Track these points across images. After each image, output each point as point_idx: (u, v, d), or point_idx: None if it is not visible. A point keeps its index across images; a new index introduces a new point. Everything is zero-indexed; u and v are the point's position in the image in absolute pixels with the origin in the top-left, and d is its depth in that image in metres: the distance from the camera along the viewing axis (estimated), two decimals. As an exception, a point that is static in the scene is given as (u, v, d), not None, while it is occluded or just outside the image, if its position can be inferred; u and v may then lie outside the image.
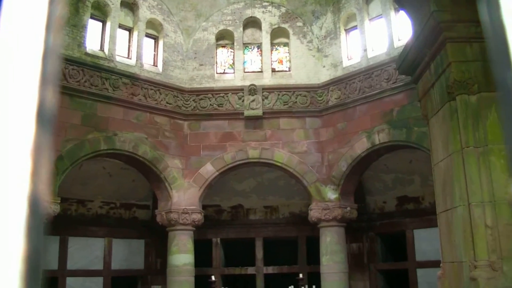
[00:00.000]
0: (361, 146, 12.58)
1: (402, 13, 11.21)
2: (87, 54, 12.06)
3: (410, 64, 8.50)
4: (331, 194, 13.08)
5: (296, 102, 13.69)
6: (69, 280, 13.31)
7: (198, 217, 13.23)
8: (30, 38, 0.30)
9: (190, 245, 13.21)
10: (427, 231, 12.54)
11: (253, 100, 13.59)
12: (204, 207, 13.70)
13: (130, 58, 13.18)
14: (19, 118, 0.30)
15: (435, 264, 9.11)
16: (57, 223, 11.71)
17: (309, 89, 13.76)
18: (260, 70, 14.39)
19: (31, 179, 0.29)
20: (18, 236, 0.29)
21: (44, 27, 0.31)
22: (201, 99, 13.77)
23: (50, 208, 10.74)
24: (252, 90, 13.62)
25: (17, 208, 0.28)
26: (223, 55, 14.67)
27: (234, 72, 14.31)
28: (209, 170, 13.38)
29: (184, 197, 13.20)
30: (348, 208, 13.13)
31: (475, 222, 6.48)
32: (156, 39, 13.97)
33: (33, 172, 0.29)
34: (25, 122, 0.30)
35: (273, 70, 14.33)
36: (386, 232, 14.37)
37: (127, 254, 14.56)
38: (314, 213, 13.11)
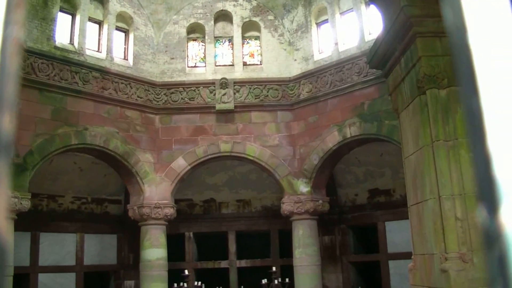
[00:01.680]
0: (332, 139, 12.66)
1: (372, 7, 11.30)
2: (56, 47, 11.85)
3: (380, 58, 8.59)
4: (303, 188, 13.16)
5: (267, 95, 13.70)
6: (41, 277, 13.12)
7: (170, 211, 13.17)
8: None
9: (162, 239, 13.15)
10: (399, 223, 12.72)
11: (224, 94, 13.56)
12: (176, 201, 13.65)
13: (100, 52, 12.99)
14: None
15: (407, 256, 9.26)
16: (28, 219, 11.54)
17: (281, 83, 13.78)
18: (231, 63, 14.35)
19: None
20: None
21: (0, 51, 0.29)
22: (172, 93, 13.68)
23: (21, 204, 10.57)
24: (224, 83, 13.58)
25: None
26: (194, 48, 14.58)
27: (205, 66, 14.24)
28: (181, 164, 13.31)
29: (156, 191, 13.12)
30: (320, 201, 13.23)
31: (446, 214, 6.60)
32: (126, 32, 13.80)
33: None
34: None
35: (245, 64, 14.31)
36: (357, 224, 14.54)
37: (100, 249, 14.43)
38: (287, 206, 13.17)
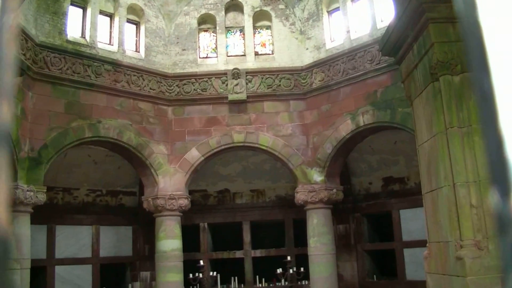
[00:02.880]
0: (345, 128, 12.61)
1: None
2: (68, 41, 11.90)
3: (393, 45, 8.51)
4: (317, 177, 13.13)
5: (280, 85, 13.66)
6: (58, 269, 13.28)
7: (184, 202, 13.23)
8: None
9: (177, 230, 13.22)
10: (413, 211, 12.66)
11: (236, 84, 13.54)
12: (190, 192, 13.70)
13: (112, 45, 13.03)
14: None
15: (422, 244, 9.21)
16: (44, 212, 11.67)
17: (293, 72, 13.73)
18: (243, 53, 14.32)
19: None
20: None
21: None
22: (185, 84, 13.69)
23: (36, 197, 10.68)
24: (236, 74, 13.56)
25: None
26: (205, 39, 14.56)
27: (217, 57, 14.22)
28: (194, 155, 13.35)
29: (170, 182, 13.17)
30: (334, 190, 13.20)
31: (460, 202, 6.55)
32: (137, 24, 13.81)
33: None
34: None
35: (256, 54, 14.27)
36: (372, 212, 14.50)
37: (115, 241, 14.54)
38: (301, 195, 13.16)
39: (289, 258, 13.82)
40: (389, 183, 14.10)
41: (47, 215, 12.50)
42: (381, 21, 12.29)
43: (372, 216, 14.67)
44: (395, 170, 13.84)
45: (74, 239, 13.74)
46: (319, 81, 13.33)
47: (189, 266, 13.55)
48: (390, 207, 13.83)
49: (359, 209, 14.52)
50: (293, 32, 14.09)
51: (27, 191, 10.44)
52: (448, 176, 6.76)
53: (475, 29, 0.36)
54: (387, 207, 13.91)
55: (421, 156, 7.95)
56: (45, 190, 11.01)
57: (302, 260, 13.72)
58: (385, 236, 14.41)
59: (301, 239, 14.09)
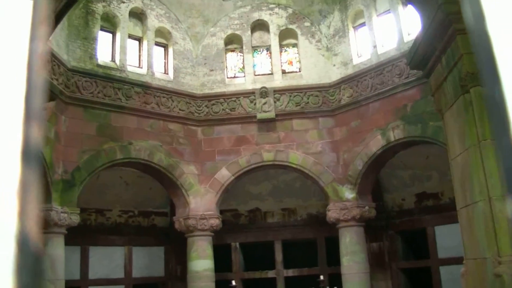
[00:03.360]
0: (376, 143, 12.49)
1: (410, 7, 11.13)
2: (98, 65, 12.17)
3: (420, 58, 8.44)
4: (348, 194, 13.01)
5: (308, 102, 13.65)
6: (92, 290, 13.42)
7: (216, 222, 13.24)
8: (13, 76, 0.30)
9: (209, 250, 13.22)
10: (449, 228, 12.38)
11: (265, 103, 13.59)
12: (221, 212, 13.71)
13: (141, 67, 13.26)
14: (4, 157, 0.30)
15: (458, 261, 9.00)
16: (77, 233, 11.83)
17: (321, 89, 13.71)
18: (270, 72, 14.39)
19: (19, 218, 0.29)
20: (6, 277, 0.28)
21: (26, 65, 0.30)
22: (213, 104, 13.80)
23: (70, 219, 10.86)
24: (264, 92, 13.62)
25: (4, 248, 0.28)
26: (232, 59, 14.69)
27: (244, 76, 14.32)
28: (224, 174, 13.39)
29: (201, 202, 13.22)
30: (366, 207, 13.04)
31: (497, 216, 6.39)
32: (165, 47, 14.04)
33: (20, 211, 0.29)
34: (10, 161, 0.30)
35: (284, 72, 14.32)
36: (406, 230, 14.22)
37: (147, 261, 14.63)
38: (332, 213, 13.04)
39: (322, 277, 13.65)
40: (422, 199, 13.86)
41: (80, 236, 12.66)
42: (408, 34, 12.22)
43: (406, 233, 14.40)
44: (429, 186, 13.61)
45: (107, 260, 13.87)
46: (348, 97, 13.28)
47: (221, 286, 13.51)
48: (425, 223, 13.57)
49: (393, 226, 14.28)
50: (320, 49, 14.11)
51: (61, 212, 10.63)
52: (483, 190, 6.61)
53: (485, 41, 0.36)
54: (422, 224, 13.65)
55: (454, 170, 7.81)
56: (79, 212, 11.19)
57: (336, 279, 13.53)
58: (420, 253, 14.12)
59: (333, 257, 13.92)
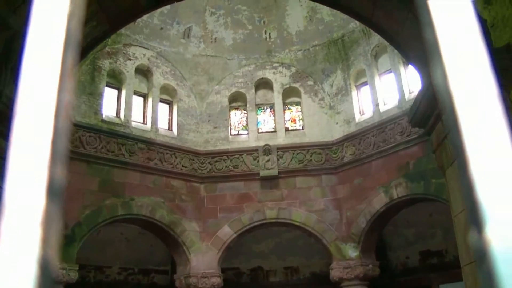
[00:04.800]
0: (379, 201, 12.47)
1: (411, 67, 11.37)
2: (103, 121, 12.33)
3: (421, 116, 8.55)
4: (352, 252, 12.87)
5: (311, 160, 13.72)
6: None
7: (217, 281, 13.03)
8: (42, 124, 0.35)
9: (210, 309, 12.96)
10: (454, 286, 12.18)
11: (268, 160, 13.66)
12: (223, 270, 13.52)
13: (146, 123, 13.43)
14: (31, 191, 0.34)
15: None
16: (76, 291, 11.64)
17: (324, 147, 13.81)
18: (273, 130, 14.54)
19: (42, 245, 0.33)
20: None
21: (54, 113, 0.35)
22: (217, 161, 13.88)
23: (68, 275, 10.71)
24: (267, 150, 13.71)
25: (28, 270, 0.32)
26: (236, 116, 14.89)
27: (248, 133, 14.47)
28: (227, 232, 13.30)
29: (202, 260, 13.07)
30: (370, 266, 12.87)
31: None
32: (170, 103, 14.26)
33: (43, 239, 0.33)
34: (37, 195, 0.34)
35: (287, 130, 14.47)
36: (410, 288, 14.01)
37: (147, 321, 14.33)
38: (336, 272, 12.85)
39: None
40: (427, 257, 13.70)
41: (79, 294, 12.46)
42: (409, 92, 12.42)
43: (411, 292, 14.17)
44: (433, 243, 13.47)
45: (105, 319, 13.59)
46: (350, 154, 13.36)
47: None
48: (430, 281, 13.37)
49: (397, 285, 14.05)
50: (323, 107, 14.31)
51: (60, 269, 10.49)
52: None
53: (448, 97, 0.42)
54: (426, 282, 13.44)
55: (457, 227, 7.77)
56: (77, 268, 11.03)
57: None
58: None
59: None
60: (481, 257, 0.38)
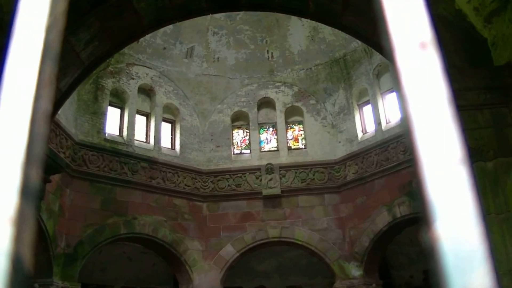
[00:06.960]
0: (382, 220, 12.43)
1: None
2: (106, 140, 12.39)
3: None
4: (355, 271, 12.79)
5: (313, 179, 13.71)
6: None
7: (220, 300, 12.96)
8: (19, 129, 0.37)
9: (212, 330, 12.86)
10: (457, 306, 12.07)
11: (270, 179, 13.65)
12: (225, 289, 13.46)
13: (148, 142, 13.47)
14: (4, 191, 0.37)
15: None
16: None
17: (326, 165, 13.81)
18: (276, 149, 14.56)
19: (14, 242, 0.35)
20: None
21: (30, 119, 0.37)
22: (219, 180, 13.88)
23: None
24: (269, 169, 13.72)
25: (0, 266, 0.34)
26: (239, 135, 14.93)
27: (250, 152, 14.49)
28: (229, 251, 13.25)
29: (205, 279, 13.00)
30: (374, 285, 12.77)
31: (504, 293, 6.27)
32: (173, 122, 14.32)
33: (16, 236, 0.35)
34: (10, 195, 0.36)
35: (289, 148, 14.49)
36: (414, 308, 13.89)
37: None
38: (339, 291, 12.76)
39: None
40: (431, 276, 13.60)
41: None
42: (412, 112, 12.43)
43: (415, 312, 14.04)
44: (436, 263, 13.38)
45: None
46: (353, 173, 13.34)
47: None
48: (434, 302, 13.25)
49: (401, 305, 13.94)
50: (325, 126, 14.34)
51: (62, 287, 10.46)
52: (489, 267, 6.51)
53: (414, 139, 0.47)
54: (430, 303, 13.34)
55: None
56: (80, 287, 11.00)
57: None
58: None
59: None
60: (431, 254, 0.42)
